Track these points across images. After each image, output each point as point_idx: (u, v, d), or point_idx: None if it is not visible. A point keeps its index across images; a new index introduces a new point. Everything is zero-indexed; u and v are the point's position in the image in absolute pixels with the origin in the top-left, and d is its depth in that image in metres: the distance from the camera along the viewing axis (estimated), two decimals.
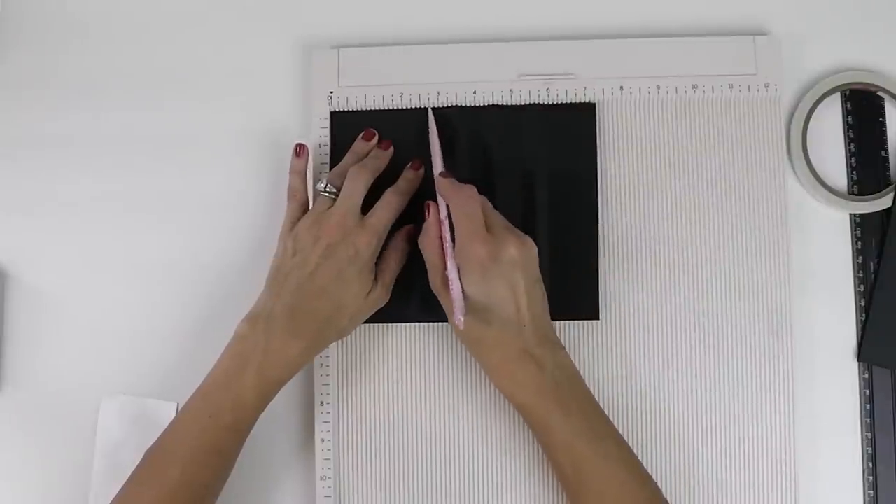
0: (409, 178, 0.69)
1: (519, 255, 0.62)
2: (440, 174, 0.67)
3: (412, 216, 0.69)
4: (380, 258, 0.67)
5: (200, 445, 0.62)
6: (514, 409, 0.65)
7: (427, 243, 0.66)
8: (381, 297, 0.67)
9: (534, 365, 0.63)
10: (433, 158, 0.69)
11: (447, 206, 0.65)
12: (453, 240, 0.64)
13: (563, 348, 0.65)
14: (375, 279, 0.66)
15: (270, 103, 0.74)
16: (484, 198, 0.65)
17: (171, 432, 0.63)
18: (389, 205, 0.67)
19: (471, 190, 0.64)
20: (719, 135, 0.71)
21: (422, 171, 0.70)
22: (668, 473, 0.68)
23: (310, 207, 0.69)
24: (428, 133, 0.70)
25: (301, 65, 0.74)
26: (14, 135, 0.74)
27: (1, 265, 0.73)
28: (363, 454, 0.69)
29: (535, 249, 0.64)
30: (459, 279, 0.63)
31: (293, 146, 0.70)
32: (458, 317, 0.63)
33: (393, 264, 0.68)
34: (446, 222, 0.65)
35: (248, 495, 0.69)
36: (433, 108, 0.71)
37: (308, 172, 0.69)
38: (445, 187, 0.66)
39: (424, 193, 0.69)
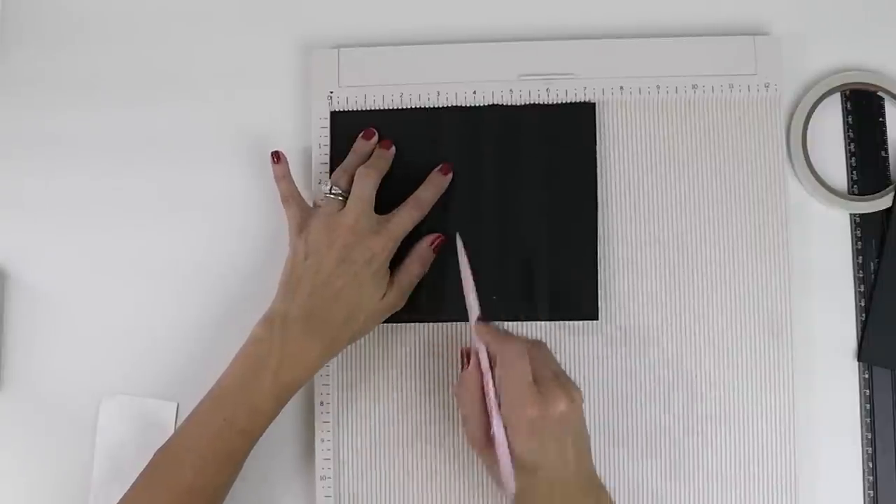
0: (434, 185, 0.69)
1: (568, 411, 0.59)
2: (478, 321, 0.63)
3: (428, 217, 0.69)
4: (401, 262, 0.67)
5: (213, 449, 0.62)
6: None
7: (467, 397, 0.62)
8: (396, 301, 0.67)
9: None
10: (465, 292, 0.65)
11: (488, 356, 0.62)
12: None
13: (606, 491, 0.61)
14: (391, 282, 0.66)
15: (270, 103, 0.74)
16: (531, 343, 0.62)
17: (182, 435, 0.63)
18: (410, 214, 0.67)
19: (520, 345, 0.61)
20: (719, 135, 0.71)
21: (450, 176, 0.69)
22: (668, 473, 0.68)
23: (310, 206, 0.69)
24: (458, 258, 0.66)
25: (301, 65, 0.74)
26: (14, 134, 0.74)
27: (1, 265, 0.73)
28: (363, 454, 0.69)
29: (580, 398, 0.60)
30: (507, 439, 0.60)
31: (270, 155, 0.69)
32: (511, 487, 0.60)
33: (414, 270, 0.67)
34: (488, 374, 0.61)
35: (248, 495, 0.69)
36: (460, 236, 0.67)
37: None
38: (491, 338, 0.62)
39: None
